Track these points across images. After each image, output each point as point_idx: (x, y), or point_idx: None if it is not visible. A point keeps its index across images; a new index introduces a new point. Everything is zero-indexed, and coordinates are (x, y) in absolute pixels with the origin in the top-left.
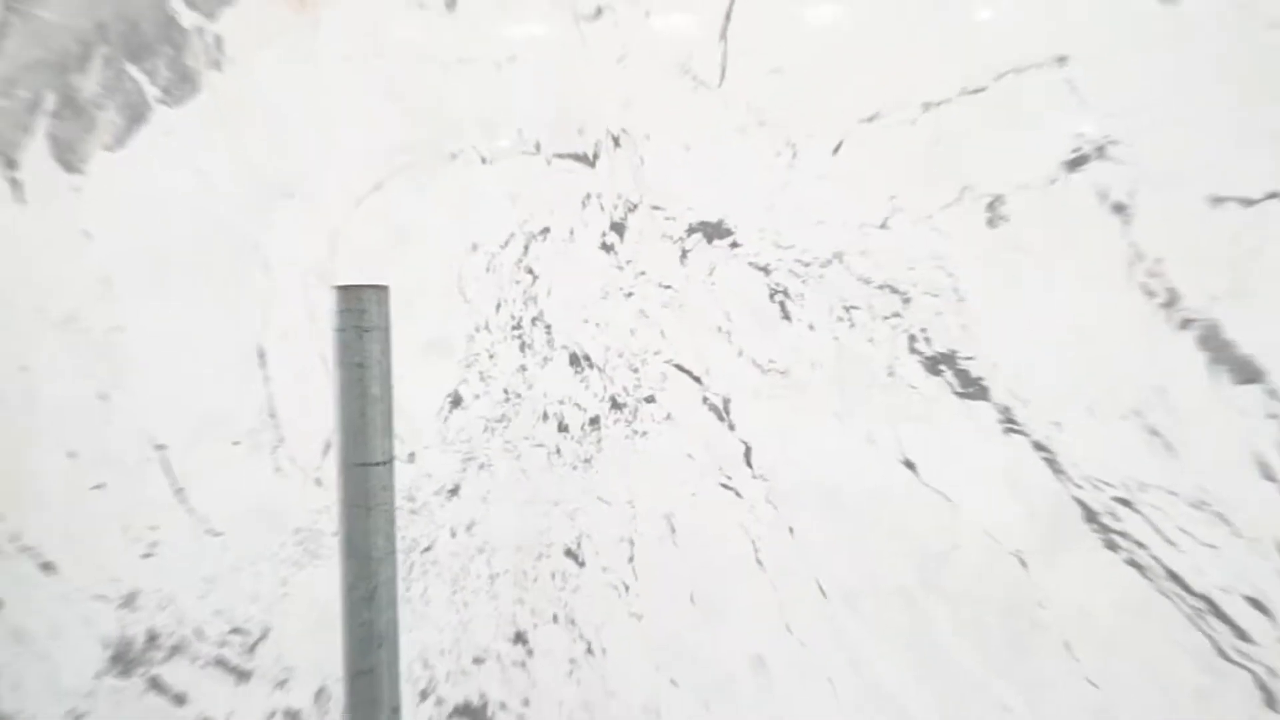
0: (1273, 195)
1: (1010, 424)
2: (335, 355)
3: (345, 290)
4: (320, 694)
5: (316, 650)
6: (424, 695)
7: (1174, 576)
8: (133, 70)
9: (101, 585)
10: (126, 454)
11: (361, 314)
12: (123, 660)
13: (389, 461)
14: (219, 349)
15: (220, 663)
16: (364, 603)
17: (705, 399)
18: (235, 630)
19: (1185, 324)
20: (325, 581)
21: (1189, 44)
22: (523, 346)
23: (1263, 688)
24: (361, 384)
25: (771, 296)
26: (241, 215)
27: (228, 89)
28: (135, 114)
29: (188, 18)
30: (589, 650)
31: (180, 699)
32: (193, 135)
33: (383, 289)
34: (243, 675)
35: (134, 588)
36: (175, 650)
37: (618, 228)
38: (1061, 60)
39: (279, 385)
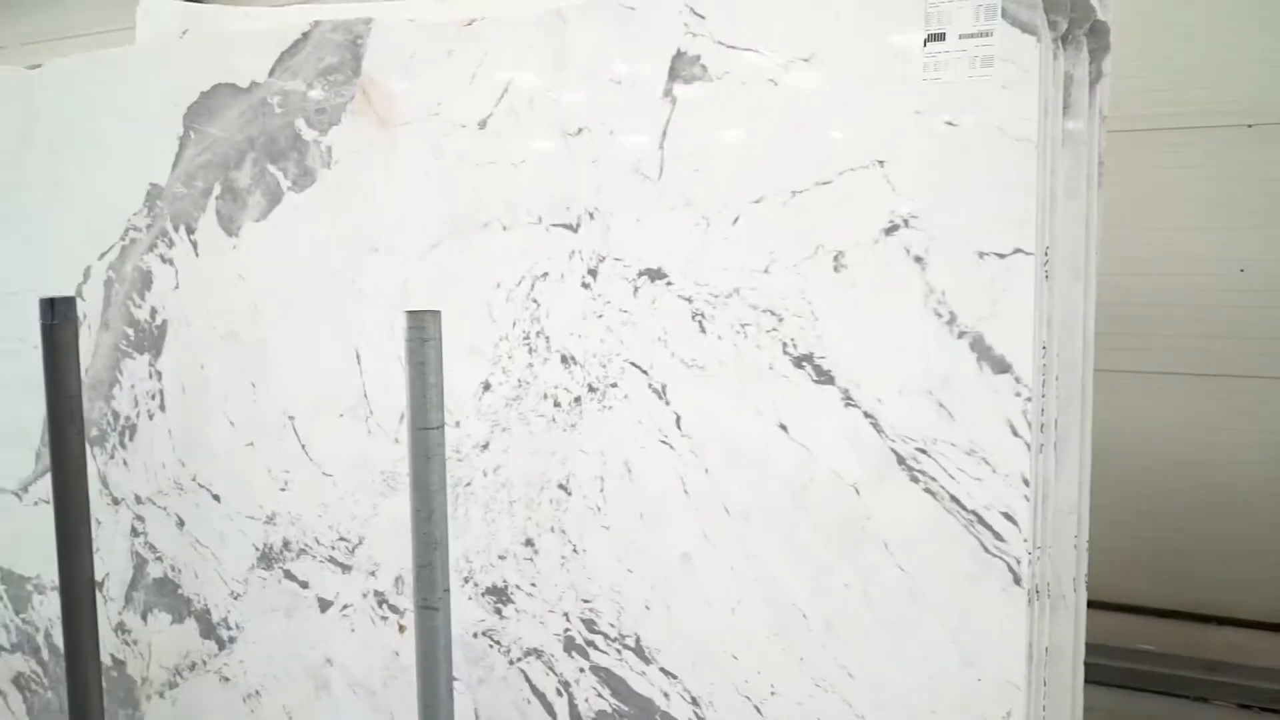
0: (1017, 250)
1: (849, 400)
2: (406, 356)
3: (412, 314)
4: (398, 580)
5: (395, 551)
6: (465, 580)
7: (955, 499)
8: (272, 169)
9: (252, 509)
10: (268, 422)
11: (423, 329)
12: (266, 559)
13: (441, 426)
14: (329, 352)
15: (331, 560)
16: (425, 519)
17: (650, 385)
18: (342, 539)
19: (961, 335)
20: (401, 506)
21: (964, 153)
22: (530, 351)
23: (1012, 571)
24: (423, 375)
25: (693, 318)
26: (344, 264)
27: (336, 180)
28: (274, 197)
29: (308, 134)
30: (574, 550)
31: (305, 584)
32: (312, 212)
33: (436, 313)
34: (346, 568)
35: (274, 511)
36: (302, 552)
37: (593, 272)
38: (881, 163)
39: (370, 377)
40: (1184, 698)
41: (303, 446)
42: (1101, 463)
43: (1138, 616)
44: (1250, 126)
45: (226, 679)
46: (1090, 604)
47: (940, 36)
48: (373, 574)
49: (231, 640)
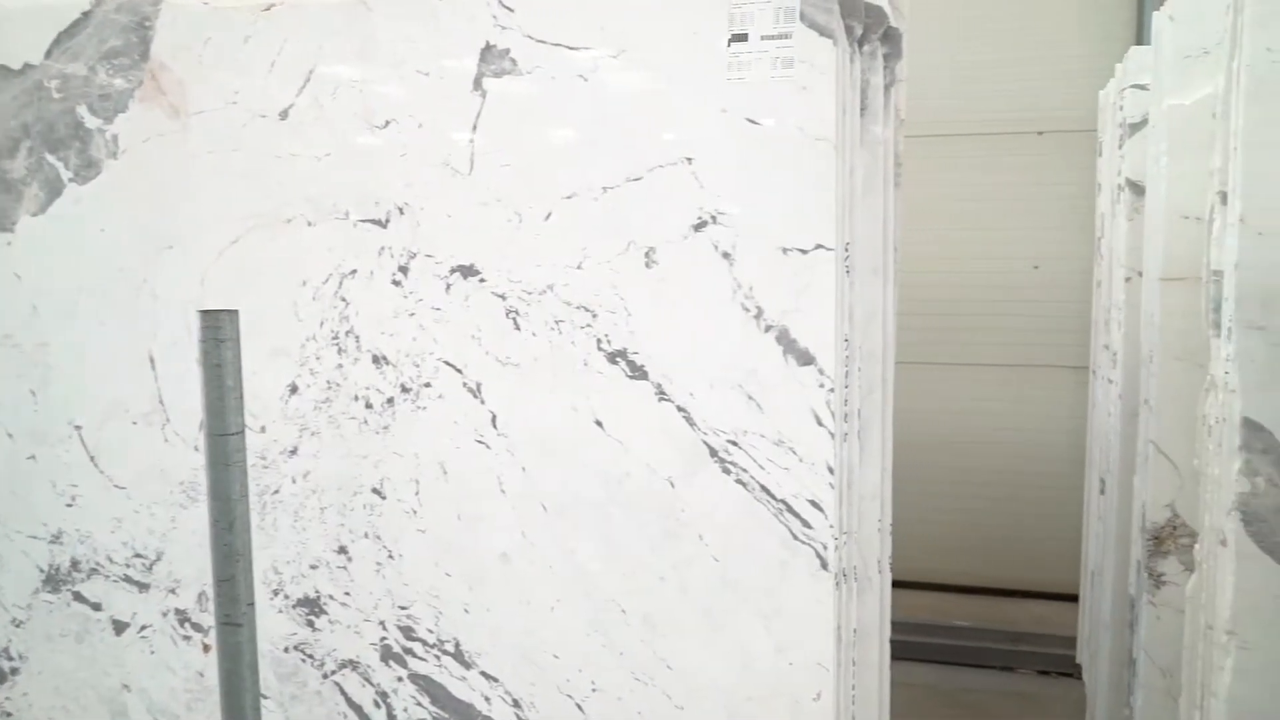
0: (819, 247)
1: (662, 395)
2: (200, 358)
3: (206, 313)
4: (200, 596)
5: (197, 566)
6: (275, 593)
7: (764, 489)
8: (50, 158)
9: (34, 528)
10: (51, 432)
11: (219, 329)
12: (53, 581)
13: (240, 432)
14: (120, 355)
15: (126, 578)
16: (225, 530)
17: (465, 384)
18: (138, 555)
19: (768, 329)
20: (202, 518)
21: (768, 151)
22: (339, 351)
23: (819, 556)
24: (219, 378)
25: (507, 315)
26: (135, 260)
27: (124, 172)
28: (53, 189)
29: (92, 122)
30: (390, 555)
31: (97, 606)
32: (98, 205)
33: (234, 312)
34: (143, 587)
35: (59, 529)
36: (93, 571)
37: (403, 269)
38: (689, 160)
39: (166, 381)
40: (992, 668)
41: (91, 458)
42: (912, 450)
43: (952, 594)
44: (1041, 134)
45: (8, 715)
46: (908, 585)
47: (743, 37)
48: (173, 591)
49: (14, 672)
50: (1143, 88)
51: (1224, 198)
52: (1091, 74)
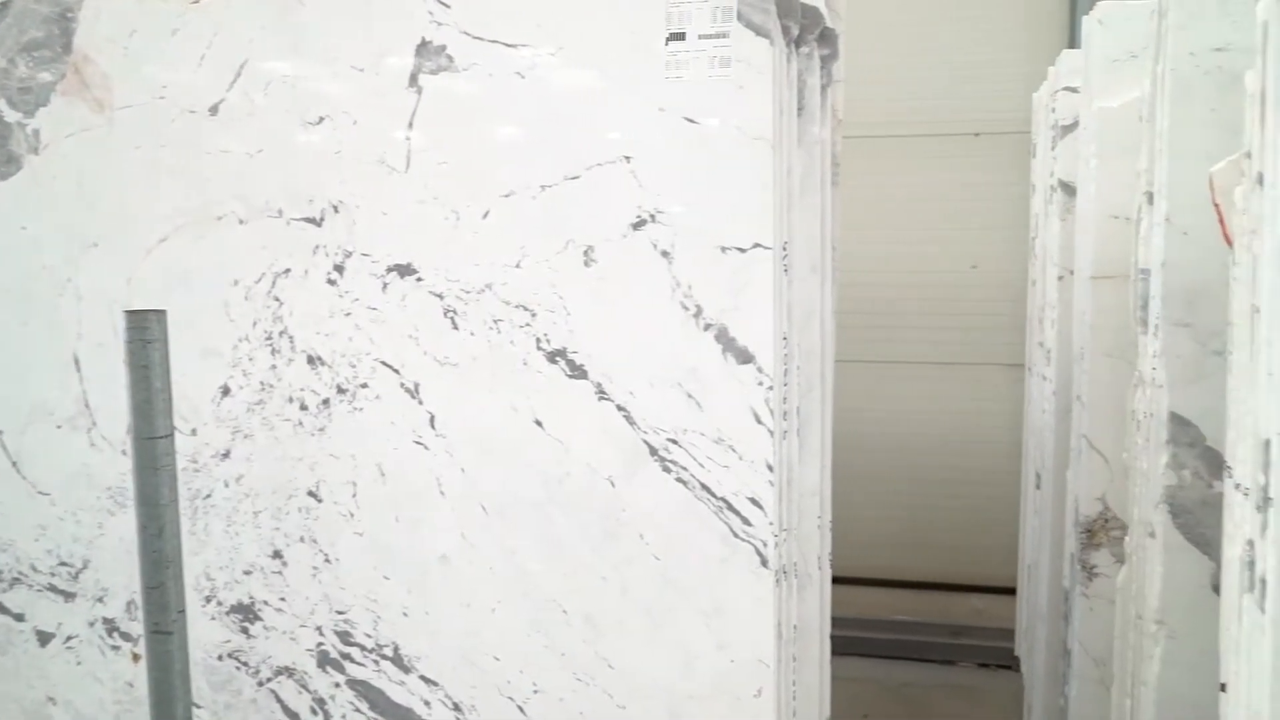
0: (757, 245)
1: (602, 394)
2: (126, 359)
3: (132, 314)
4: (129, 605)
5: (125, 573)
6: (208, 600)
7: (705, 487)
8: None
9: None
10: None
11: (145, 330)
12: None
13: (169, 435)
14: (43, 358)
15: (51, 588)
16: (154, 537)
17: (402, 384)
18: (63, 563)
19: (707, 327)
20: (131, 524)
21: (706, 150)
22: (273, 352)
23: (759, 553)
24: (147, 380)
25: (445, 314)
26: (58, 259)
27: (46, 167)
28: None
29: (11, 115)
30: (327, 560)
31: (20, 617)
32: (17, 201)
33: (161, 312)
34: (69, 596)
35: None
36: (15, 581)
37: (339, 268)
38: (628, 159)
39: (92, 384)
40: (933, 662)
41: (13, 463)
42: (855, 448)
43: (893, 589)
44: (977, 135)
45: None
46: (849, 580)
47: (680, 36)
48: (100, 600)
49: None
50: (1074, 90)
51: (1150, 198)
52: (1027, 77)
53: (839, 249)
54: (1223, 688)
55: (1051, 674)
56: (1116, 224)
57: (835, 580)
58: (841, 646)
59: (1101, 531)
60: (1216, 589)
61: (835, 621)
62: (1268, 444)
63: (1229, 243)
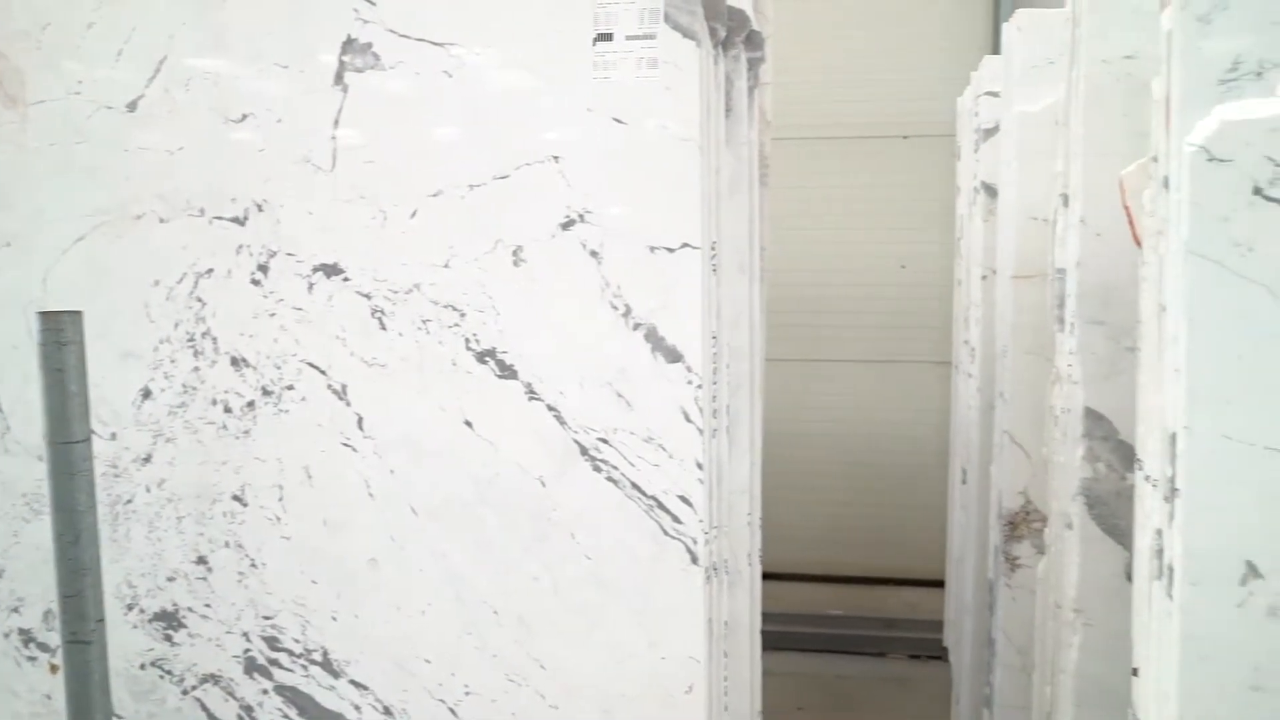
0: (685, 245)
1: (532, 394)
2: (40, 362)
3: (45, 315)
4: (46, 614)
5: (42, 583)
6: (129, 607)
7: (635, 486)
8: None
9: None
10: None
11: (60, 332)
12: None
13: (87, 440)
14: None
15: None
16: (71, 544)
17: (329, 386)
18: None
19: (636, 327)
20: (47, 531)
21: (633, 150)
22: (196, 354)
23: (689, 551)
24: (61, 383)
25: (373, 314)
26: None
27: None
28: None
29: None
30: (253, 564)
31: None
32: None
33: (77, 313)
34: None
35: None
36: None
37: (263, 268)
38: (557, 158)
39: (5, 386)
40: (866, 654)
41: None
42: (786, 446)
43: (826, 584)
44: (906, 138)
45: None
46: (782, 576)
47: (608, 37)
48: (16, 610)
49: None
50: (995, 95)
51: (1065, 200)
52: (953, 81)
53: (768, 249)
54: (1135, 672)
55: (977, 663)
56: (1036, 225)
57: (768, 576)
58: (773, 641)
59: (1023, 524)
60: (1130, 577)
61: (768, 617)
62: (1174, 437)
63: (1138, 243)
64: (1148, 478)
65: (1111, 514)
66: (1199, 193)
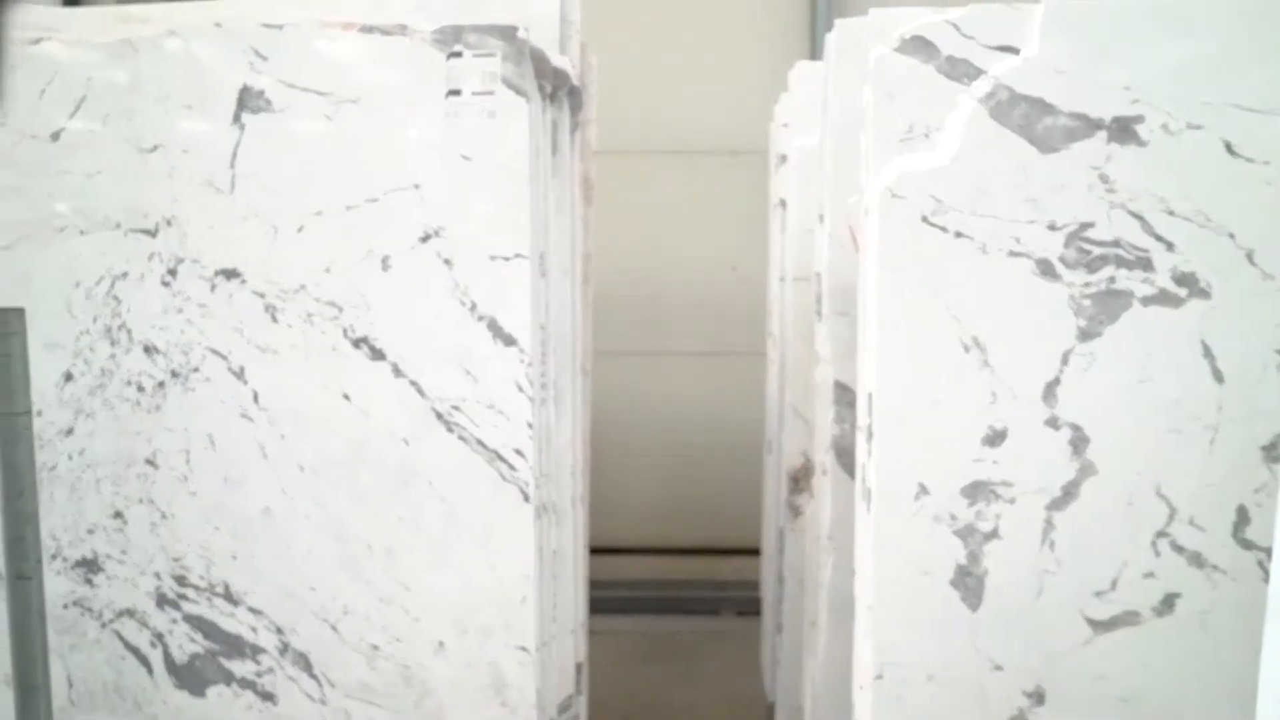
0: (518, 255)
1: (398, 372)
2: None
3: None
4: None
5: None
6: (53, 557)
7: (480, 442)
8: None
9: None
10: None
11: (6, 325)
12: None
13: (28, 412)
14: None
15: None
16: (16, 497)
17: (229, 368)
18: None
19: (480, 319)
20: None
21: (477, 181)
22: (112, 343)
23: (523, 492)
24: (8, 366)
25: (266, 310)
26: None
27: None
28: None
29: None
30: (163, 516)
31: None
32: None
33: (20, 310)
34: None
35: None
36: None
37: (172, 272)
38: (417, 186)
39: None
40: (701, 614)
41: None
42: (632, 430)
43: (667, 556)
44: (734, 154)
45: None
46: (632, 550)
47: (458, 92)
48: None
49: None
50: (787, 127)
51: (821, 219)
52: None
53: (594, 256)
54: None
55: (774, 600)
56: (809, 236)
57: (611, 551)
58: (622, 606)
59: (804, 479)
60: None
61: (610, 584)
62: (870, 396)
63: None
64: (860, 427)
65: (852, 461)
66: (886, 220)
